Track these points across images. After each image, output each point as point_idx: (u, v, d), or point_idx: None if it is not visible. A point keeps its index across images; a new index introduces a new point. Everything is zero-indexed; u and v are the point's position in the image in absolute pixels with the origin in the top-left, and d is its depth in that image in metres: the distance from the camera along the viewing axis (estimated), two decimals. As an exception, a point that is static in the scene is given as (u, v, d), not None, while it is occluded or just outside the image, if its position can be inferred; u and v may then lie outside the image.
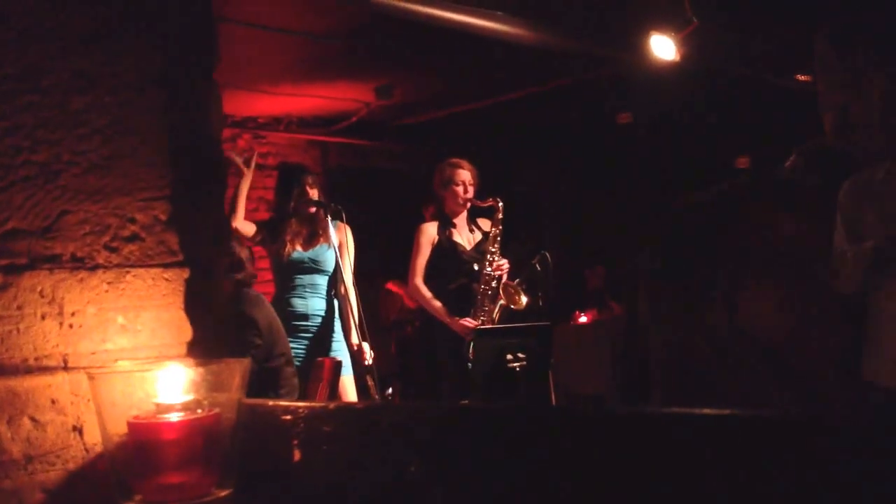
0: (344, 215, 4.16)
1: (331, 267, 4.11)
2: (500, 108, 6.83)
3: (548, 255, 4.30)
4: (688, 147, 7.66)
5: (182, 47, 1.39)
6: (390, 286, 6.66)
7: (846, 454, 0.73)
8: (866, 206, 2.84)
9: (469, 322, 4.09)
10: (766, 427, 0.81)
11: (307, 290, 4.12)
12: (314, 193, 4.16)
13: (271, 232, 4.16)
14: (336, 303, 4.17)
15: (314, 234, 4.14)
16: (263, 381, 3.36)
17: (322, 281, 4.15)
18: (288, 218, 4.12)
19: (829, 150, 3.46)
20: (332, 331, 4.13)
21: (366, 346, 4.01)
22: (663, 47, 5.00)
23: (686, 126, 7.02)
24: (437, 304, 4.20)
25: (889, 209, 2.78)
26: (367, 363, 4.01)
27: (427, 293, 4.23)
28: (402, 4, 4.26)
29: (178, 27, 1.38)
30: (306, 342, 4.06)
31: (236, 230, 4.04)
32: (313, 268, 4.13)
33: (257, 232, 4.17)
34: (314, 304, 4.11)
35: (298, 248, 4.12)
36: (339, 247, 4.05)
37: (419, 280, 4.26)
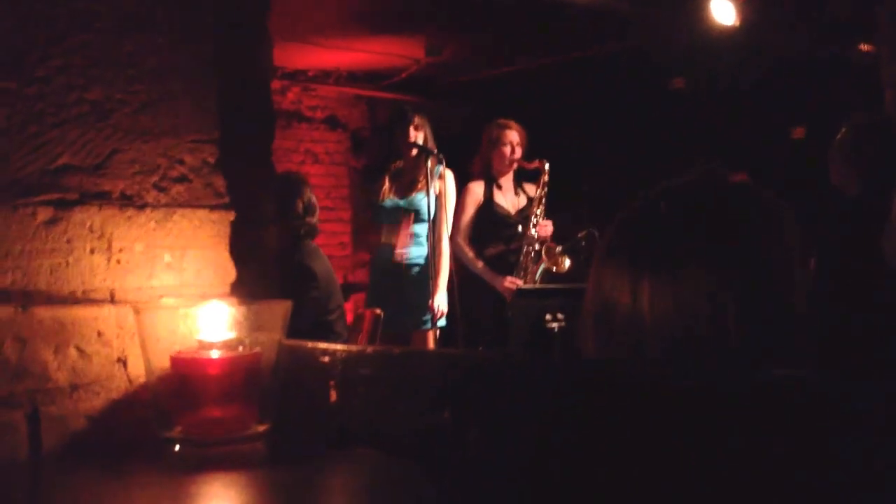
0: (445, 162, 3.99)
1: (427, 215, 3.93)
2: (549, 71, 6.74)
3: (596, 233, 4.24)
4: (743, 116, 7.49)
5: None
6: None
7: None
8: None
9: (513, 281, 4.08)
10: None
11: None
12: (419, 136, 3.99)
13: (372, 178, 4.08)
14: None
15: (414, 181, 4.02)
16: (319, 335, 3.37)
17: (420, 230, 4.04)
18: (389, 162, 4.01)
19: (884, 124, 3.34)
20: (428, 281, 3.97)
21: (440, 303, 3.97)
22: (723, 11, 4.87)
23: (742, 94, 6.86)
24: (481, 263, 4.19)
25: None
26: (437, 321, 3.99)
27: (470, 252, 4.22)
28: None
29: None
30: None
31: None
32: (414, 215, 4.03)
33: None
34: (412, 252, 4.04)
35: (392, 195, 4.05)
36: (438, 195, 3.92)
37: (463, 239, 4.25)
